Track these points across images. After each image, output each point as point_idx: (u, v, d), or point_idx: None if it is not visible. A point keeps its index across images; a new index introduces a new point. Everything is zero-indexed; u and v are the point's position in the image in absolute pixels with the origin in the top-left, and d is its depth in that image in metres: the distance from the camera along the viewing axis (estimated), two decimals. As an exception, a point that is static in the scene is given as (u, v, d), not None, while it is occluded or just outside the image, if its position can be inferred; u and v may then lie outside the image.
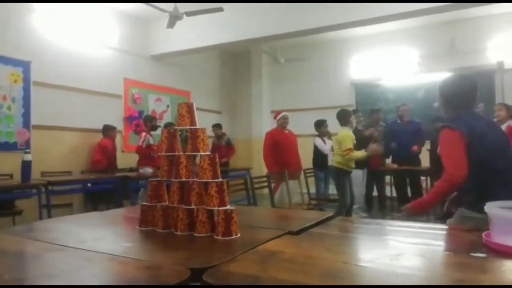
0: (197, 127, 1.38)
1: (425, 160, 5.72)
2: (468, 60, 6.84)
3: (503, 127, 4.53)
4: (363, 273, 0.89)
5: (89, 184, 4.61)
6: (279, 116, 5.07)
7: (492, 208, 1.08)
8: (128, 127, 6.44)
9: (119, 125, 6.33)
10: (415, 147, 5.51)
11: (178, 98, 7.30)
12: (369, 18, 5.29)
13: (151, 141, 5.60)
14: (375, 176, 5.78)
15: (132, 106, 6.59)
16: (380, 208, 5.89)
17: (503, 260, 0.94)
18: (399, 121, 5.91)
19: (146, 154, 5.54)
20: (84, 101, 5.72)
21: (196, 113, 1.41)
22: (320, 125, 5.98)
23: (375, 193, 6.02)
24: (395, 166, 5.62)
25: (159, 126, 6.06)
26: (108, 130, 5.70)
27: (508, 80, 6.60)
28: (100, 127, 5.75)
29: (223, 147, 7.28)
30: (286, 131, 5.08)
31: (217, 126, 7.28)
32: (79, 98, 5.63)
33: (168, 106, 7.30)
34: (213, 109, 8.55)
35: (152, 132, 5.74)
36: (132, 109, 6.59)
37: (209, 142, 6.56)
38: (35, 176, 4.43)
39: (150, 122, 5.77)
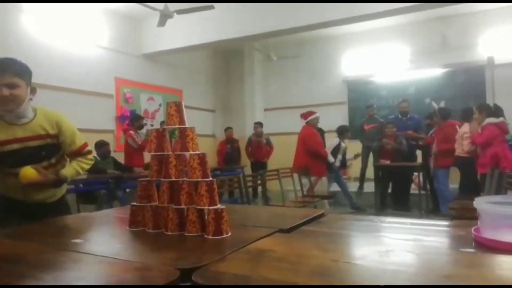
0: (186, 126, 1.37)
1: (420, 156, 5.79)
2: (458, 56, 6.89)
3: (480, 128, 4.42)
4: (353, 271, 0.89)
5: (81, 185, 4.57)
6: (314, 116, 5.22)
7: (481, 203, 1.09)
8: (120, 127, 6.40)
9: (111, 125, 6.30)
10: (409, 132, 5.59)
11: (170, 97, 7.27)
12: (360, 15, 5.30)
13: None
14: (391, 175, 5.75)
15: (124, 106, 6.55)
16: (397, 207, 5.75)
17: (492, 255, 0.94)
18: (400, 117, 6.00)
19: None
20: (76, 101, 5.66)
21: (185, 112, 1.40)
22: None
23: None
24: (388, 162, 5.66)
25: (145, 125, 6.08)
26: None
27: (498, 75, 6.67)
28: (92, 127, 5.70)
29: (264, 145, 7.24)
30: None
31: (258, 124, 7.29)
32: (70, 98, 5.58)
33: (160, 105, 7.26)
34: (206, 108, 8.52)
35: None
36: (124, 109, 6.55)
37: (202, 140, 6.51)
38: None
39: (137, 122, 5.78)
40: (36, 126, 1.78)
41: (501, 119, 4.26)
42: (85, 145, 1.94)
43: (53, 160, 1.85)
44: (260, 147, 7.22)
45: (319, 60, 8.17)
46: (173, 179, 1.32)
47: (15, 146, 1.74)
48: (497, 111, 4.38)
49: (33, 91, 1.81)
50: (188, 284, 0.85)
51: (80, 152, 1.91)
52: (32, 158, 1.75)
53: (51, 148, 1.83)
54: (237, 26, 6.06)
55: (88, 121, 5.74)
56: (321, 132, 6.04)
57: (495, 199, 1.12)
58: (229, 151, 7.42)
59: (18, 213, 1.81)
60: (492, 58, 6.61)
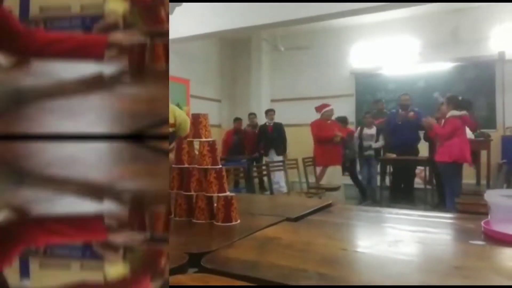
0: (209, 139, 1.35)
1: (423, 150, 5.73)
2: (469, 50, 6.79)
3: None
4: (362, 259, 0.89)
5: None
6: (328, 108, 5.35)
7: (492, 196, 1.08)
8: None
9: (118, 112, 6.31)
10: (425, 119, 5.46)
11: (176, 86, 7.26)
12: (370, 7, 5.22)
13: None
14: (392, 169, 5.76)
15: (131, 94, 6.55)
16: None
17: (502, 248, 0.94)
18: (400, 111, 5.91)
19: None
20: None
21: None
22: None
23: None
24: (394, 156, 5.63)
25: None
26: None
27: (509, 71, 6.57)
28: (99, 114, 5.71)
29: None
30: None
31: (253, 115, 7.53)
32: (77, 84, 5.59)
33: (166, 94, 7.25)
34: (213, 98, 8.50)
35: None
36: (131, 97, 6.56)
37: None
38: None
39: None
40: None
41: (463, 112, 4.30)
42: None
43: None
44: (255, 139, 7.20)
45: (327, 51, 8.09)
46: (186, 165, 1.33)
47: None
48: (464, 104, 4.43)
49: None
50: (196, 269, 0.85)
51: None
52: None
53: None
54: (245, 15, 5.99)
55: (95, 108, 5.77)
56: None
57: (506, 193, 1.11)
58: (236, 142, 7.41)
59: None
60: (503, 53, 6.51)
